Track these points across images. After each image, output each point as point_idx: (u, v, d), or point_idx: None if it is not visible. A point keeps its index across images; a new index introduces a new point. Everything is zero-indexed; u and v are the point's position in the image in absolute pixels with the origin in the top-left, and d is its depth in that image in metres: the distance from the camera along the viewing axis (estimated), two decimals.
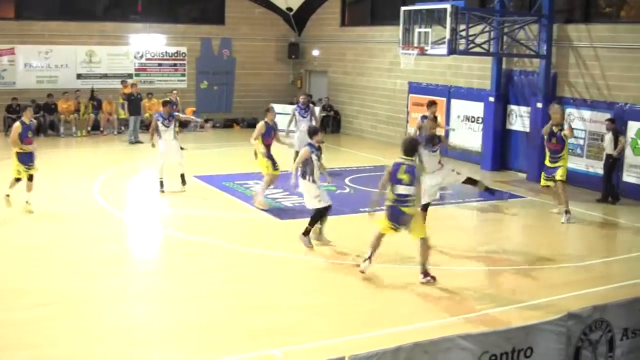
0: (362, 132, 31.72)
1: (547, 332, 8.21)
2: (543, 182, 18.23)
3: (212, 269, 13.51)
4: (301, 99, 23.23)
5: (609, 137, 19.91)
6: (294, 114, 22.61)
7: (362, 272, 13.14)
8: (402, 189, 12.76)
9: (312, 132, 15.16)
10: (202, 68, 34.20)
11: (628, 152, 20.32)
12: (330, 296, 12.41)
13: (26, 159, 17.08)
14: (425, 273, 13.00)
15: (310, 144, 14.95)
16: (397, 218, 12.96)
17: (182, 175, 19.92)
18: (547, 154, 17.96)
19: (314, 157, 14.86)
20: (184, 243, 15.12)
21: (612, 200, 19.93)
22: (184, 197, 19.07)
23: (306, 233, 15.00)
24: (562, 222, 17.62)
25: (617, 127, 19.86)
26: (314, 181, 14.98)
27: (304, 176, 15.05)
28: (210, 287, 12.55)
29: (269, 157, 18.43)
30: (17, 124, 17.10)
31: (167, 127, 19.66)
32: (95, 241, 15.08)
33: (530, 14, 22.86)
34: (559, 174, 17.62)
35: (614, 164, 19.98)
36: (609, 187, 20.08)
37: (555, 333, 8.25)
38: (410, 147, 12.91)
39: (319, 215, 15.13)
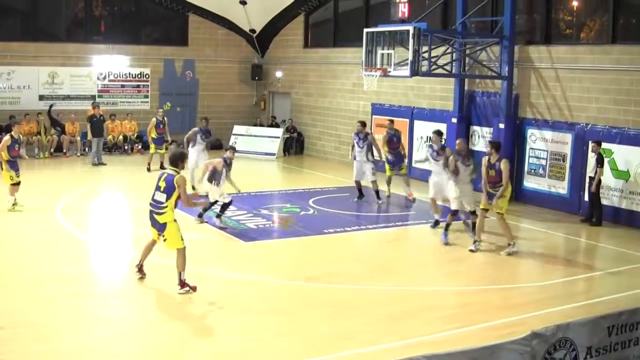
0: (325, 154, 31.72)
1: (511, 351, 8.20)
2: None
3: (170, 291, 13.33)
4: (357, 126, 22.15)
5: (594, 160, 19.82)
6: (353, 143, 21.92)
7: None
8: (157, 195, 13.36)
9: (228, 148, 18.86)
10: (165, 89, 34.00)
11: (590, 172, 20.47)
12: (289, 318, 12.30)
13: (15, 166, 19.33)
14: (183, 284, 13.16)
15: (223, 158, 18.39)
16: (154, 224, 13.55)
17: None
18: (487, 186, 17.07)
19: (225, 170, 18.18)
20: (146, 265, 14.93)
21: (595, 222, 19.83)
22: (146, 220, 18.89)
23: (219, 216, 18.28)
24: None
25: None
26: (217, 185, 18.10)
27: (210, 181, 18.15)
28: (169, 310, 12.40)
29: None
30: (7, 137, 19.44)
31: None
32: (56, 263, 14.87)
33: (491, 36, 23.02)
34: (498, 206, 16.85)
35: (599, 186, 19.76)
36: (597, 209, 19.86)
37: (520, 352, 8.24)
38: (174, 158, 13.73)
39: (226, 207, 18.39)
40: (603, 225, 19.62)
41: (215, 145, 34.02)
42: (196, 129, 23.75)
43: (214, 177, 18.20)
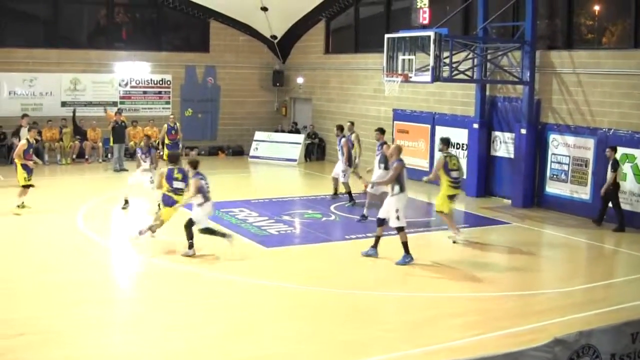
0: None
1: (534, 358, 8.13)
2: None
3: (194, 298, 13.36)
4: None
5: (609, 165, 19.88)
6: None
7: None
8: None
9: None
10: (186, 96, 34.15)
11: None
12: (312, 324, 12.29)
13: (28, 170, 20.20)
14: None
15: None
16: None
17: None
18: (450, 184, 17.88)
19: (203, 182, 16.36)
20: (167, 271, 14.99)
21: (618, 227, 19.72)
22: (168, 225, 18.94)
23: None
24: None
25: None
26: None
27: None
28: (191, 316, 12.40)
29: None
30: (24, 141, 20.44)
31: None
32: (77, 269, 14.93)
33: (513, 41, 22.94)
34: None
35: (616, 192, 19.80)
36: (620, 215, 19.77)
37: (542, 359, 8.17)
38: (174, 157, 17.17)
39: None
40: (626, 231, 19.49)
41: (238, 151, 34.19)
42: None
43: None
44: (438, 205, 18.22)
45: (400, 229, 15.86)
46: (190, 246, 16.06)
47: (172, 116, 28.76)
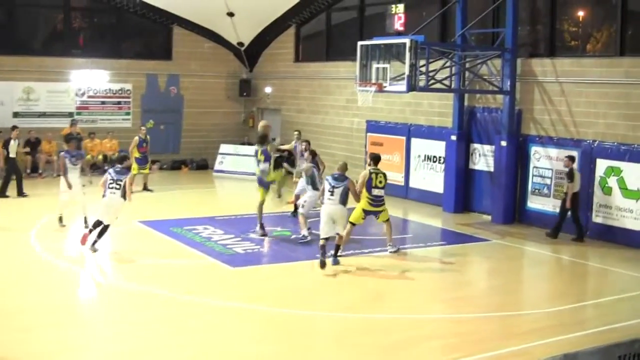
0: None
1: None
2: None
3: (156, 321, 13.22)
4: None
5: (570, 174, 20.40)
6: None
7: None
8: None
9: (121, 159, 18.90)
10: (147, 106, 33.88)
11: (597, 191, 20.49)
12: (283, 348, 12.18)
13: None
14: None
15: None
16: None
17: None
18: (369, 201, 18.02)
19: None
20: (128, 293, 14.83)
21: (576, 238, 20.40)
22: (128, 244, 18.79)
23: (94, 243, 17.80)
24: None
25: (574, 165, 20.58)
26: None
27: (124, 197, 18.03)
28: (154, 340, 12.27)
29: None
30: None
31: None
32: (31, 291, 14.74)
33: (493, 48, 23.02)
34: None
35: (576, 201, 20.42)
36: (577, 225, 20.45)
37: None
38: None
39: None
40: (608, 246, 19.64)
41: (202, 165, 34.03)
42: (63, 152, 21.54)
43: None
44: (351, 216, 18.11)
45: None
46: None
47: (143, 128, 28.21)
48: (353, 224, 17.96)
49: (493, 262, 18.48)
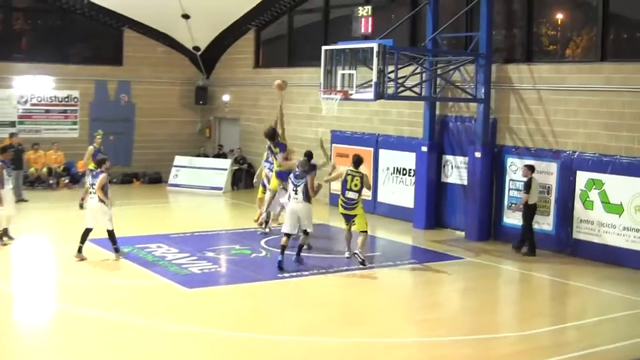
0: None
1: None
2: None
3: (104, 348, 13.06)
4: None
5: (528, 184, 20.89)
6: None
7: None
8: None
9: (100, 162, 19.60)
10: (96, 115, 33.64)
11: (578, 206, 20.58)
12: None
13: None
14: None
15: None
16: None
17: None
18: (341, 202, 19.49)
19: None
20: (74, 318, 14.67)
21: (528, 252, 20.81)
22: (74, 264, 18.61)
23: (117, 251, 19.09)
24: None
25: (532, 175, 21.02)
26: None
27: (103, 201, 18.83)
28: None
29: None
30: None
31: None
32: None
33: (466, 54, 23.08)
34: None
35: (531, 214, 20.91)
36: (529, 238, 20.95)
37: None
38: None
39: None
40: (599, 265, 19.73)
41: (155, 178, 33.85)
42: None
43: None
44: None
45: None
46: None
47: (98, 137, 27.85)
48: (346, 229, 19.81)
49: (467, 281, 18.49)
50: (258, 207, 22.89)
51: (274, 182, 21.60)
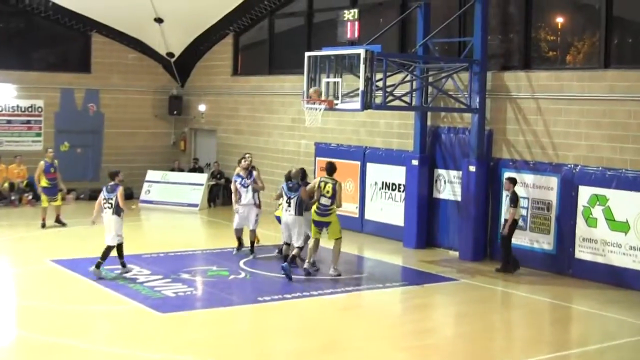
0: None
1: None
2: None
3: None
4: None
5: (508, 199, 21.22)
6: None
7: None
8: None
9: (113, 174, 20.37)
10: (62, 126, 33.63)
11: (581, 223, 20.56)
12: None
13: None
14: None
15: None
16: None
17: None
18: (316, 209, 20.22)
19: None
20: (37, 346, 14.57)
21: (512, 269, 21.07)
22: (39, 288, 18.51)
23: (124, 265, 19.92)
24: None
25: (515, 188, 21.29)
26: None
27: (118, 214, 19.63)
28: None
29: None
30: None
31: None
32: None
33: (459, 60, 23.14)
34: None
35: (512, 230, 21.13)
36: (509, 256, 21.18)
37: None
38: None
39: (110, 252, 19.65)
40: (603, 286, 19.73)
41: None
42: None
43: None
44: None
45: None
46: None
47: (50, 151, 27.49)
48: (314, 238, 20.36)
49: (461, 305, 18.46)
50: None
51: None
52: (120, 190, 19.80)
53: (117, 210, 19.61)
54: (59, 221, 26.53)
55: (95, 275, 19.12)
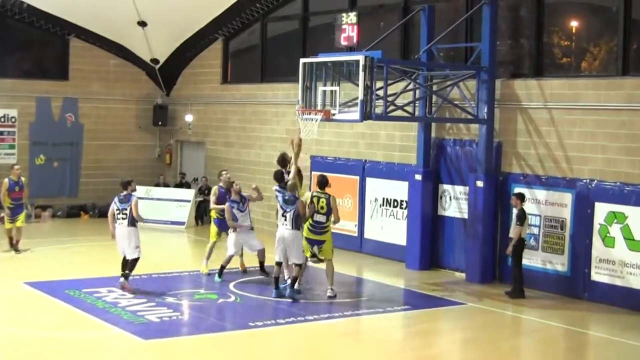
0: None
1: None
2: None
3: None
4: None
5: (515, 216, 21.10)
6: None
7: None
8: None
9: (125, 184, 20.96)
10: (37, 137, 33.61)
11: (597, 243, 20.52)
12: None
13: None
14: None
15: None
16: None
17: None
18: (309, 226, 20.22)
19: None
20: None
21: (516, 292, 20.98)
22: (12, 312, 18.45)
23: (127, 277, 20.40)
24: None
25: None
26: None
27: (134, 224, 20.43)
28: None
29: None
30: None
31: None
32: None
33: (466, 67, 23.13)
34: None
35: (520, 249, 21.04)
36: (519, 276, 21.09)
37: None
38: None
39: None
40: (621, 311, 19.68)
41: (106, 212, 33.54)
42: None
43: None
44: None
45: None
46: None
47: (17, 168, 26.78)
48: (306, 257, 20.45)
49: (468, 331, 18.43)
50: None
51: None
52: (134, 199, 20.49)
53: (133, 221, 20.31)
54: (14, 247, 25.54)
55: (123, 285, 20.36)
